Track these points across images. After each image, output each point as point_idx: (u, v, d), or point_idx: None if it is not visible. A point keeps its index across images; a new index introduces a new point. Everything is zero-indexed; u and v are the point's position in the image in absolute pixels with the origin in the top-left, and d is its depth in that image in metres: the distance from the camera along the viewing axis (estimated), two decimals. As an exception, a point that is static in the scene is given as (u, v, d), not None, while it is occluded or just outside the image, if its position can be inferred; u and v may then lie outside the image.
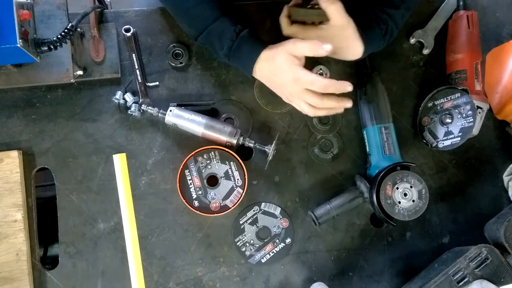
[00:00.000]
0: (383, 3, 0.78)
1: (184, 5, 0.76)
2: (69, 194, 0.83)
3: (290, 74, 0.72)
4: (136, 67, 0.85)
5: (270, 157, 0.82)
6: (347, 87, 0.71)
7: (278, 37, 0.76)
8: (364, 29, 0.76)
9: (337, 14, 0.71)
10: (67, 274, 0.81)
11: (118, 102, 0.83)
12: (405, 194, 0.78)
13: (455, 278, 0.73)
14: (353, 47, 0.75)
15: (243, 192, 0.82)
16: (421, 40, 0.90)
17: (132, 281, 0.82)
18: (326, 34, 0.74)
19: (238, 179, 0.83)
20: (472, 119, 0.81)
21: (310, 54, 0.71)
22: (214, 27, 0.74)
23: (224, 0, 0.76)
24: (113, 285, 0.82)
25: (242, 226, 0.85)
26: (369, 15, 0.78)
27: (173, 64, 0.86)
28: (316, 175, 0.87)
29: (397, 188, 0.78)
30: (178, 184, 0.81)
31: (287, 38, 0.75)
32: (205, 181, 0.82)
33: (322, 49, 0.69)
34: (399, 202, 0.78)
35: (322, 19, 0.74)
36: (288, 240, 0.85)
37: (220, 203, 0.82)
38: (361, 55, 0.76)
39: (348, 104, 0.74)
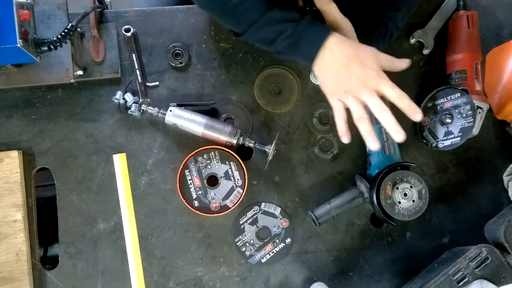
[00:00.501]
0: (383, 4, 0.78)
1: (232, 2, 0.69)
2: (69, 194, 0.83)
3: (375, 65, 0.67)
4: (136, 67, 0.85)
5: (270, 157, 0.82)
6: (417, 114, 0.67)
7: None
8: (363, 30, 0.76)
9: (331, 14, 0.71)
10: (67, 274, 0.81)
11: (118, 102, 0.83)
12: (405, 194, 0.78)
13: (455, 278, 0.73)
14: None
15: (243, 192, 0.82)
16: (421, 40, 0.90)
17: (132, 281, 0.82)
18: None
19: (238, 179, 0.83)
20: (472, 119, 0.81)
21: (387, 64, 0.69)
22: (271, 14, 0.69)
23: None
24: (113, 285, 0.82)
25: (242, 226, 0.85)
26: (369, 16, 0.78)
27: (173, 64, 0.86)
28: (316, 175, 0.87)
29: (397, 188, 0.78)
30: (178, 184, 0.81)
31: None
32: (205, 181, 0.82)
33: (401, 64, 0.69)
34: (399, 202, 0.78)
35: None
36: (288, 240, 0.85)
37: (220, 203, 0.82)
38: None
39: (400, 137, 0.67)
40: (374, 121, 0.83)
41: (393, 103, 0.67)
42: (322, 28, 0.69)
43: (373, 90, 0.67)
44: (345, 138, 0.70)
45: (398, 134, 0.67)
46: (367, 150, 0.86)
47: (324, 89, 0.72)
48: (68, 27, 0.72)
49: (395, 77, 0.90)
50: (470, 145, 0.90)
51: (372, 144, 0.68)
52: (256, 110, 0.88)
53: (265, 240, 0.85)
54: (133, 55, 0.85)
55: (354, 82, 0.68)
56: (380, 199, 0.78)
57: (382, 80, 0.67)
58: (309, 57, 0.70)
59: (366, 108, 0.69)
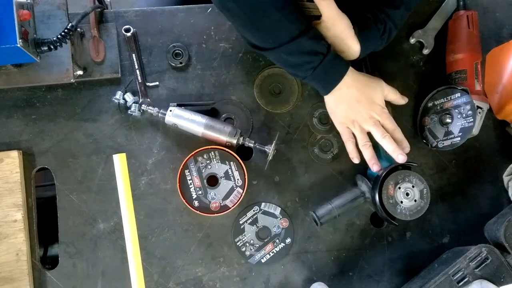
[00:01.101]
0: (382, 2, 0.78)
1: (261, 13, 0.67)
2: (69, 194, 0.83)
3: (381, 101, 0.80)
4: (136, 67, 0.85)
5: (270, 157, 0.82)
6: (405, 148, 0.80)
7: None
8: (361, 28, 0.76)
9: (328, 9, 0.72)
10: (67, 274, 0.81)
11: (118, 102, 0.83)
12: (407, 194, 0.78)
13: (455, 278, 0.73)
14: (348, 45, 0.75)
15: (243, 192, 0.82)
16: (421, 40, 0.90)
17: (132, 281, 0.82)
18: (320, 29, 0.74)
19: (238, 179, 0.83)
20: (472, 119, 0.81)
21: (393, 98, 0.83)
22: (302, 41, 0.70)
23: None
24: (113, 285, 0.82)
25: (242, 226, 0.85)
26: (367, 14, 0.78)
27: (173, 64, 0.86)
28: (316, 175, 0.87)
29: (399, 188, 0.78)
30: (178, 184, 0.81)
31: None
32: (205, 181, 0.82)
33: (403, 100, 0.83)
34: (401, 202, 0.78)
35: (317, 13, 0.73)
36: (288, 240, 0.85)
37: (220, 203, 0.82)
38: (358, 54, 0.76)
39: (402, 158, 0.77)
40: None
41: (389, 132, 0.79)
42: (343, 63, 0.76)
43: (376, 121, 0.78)
44: (356, 160, 0.82)
45: (400, 156, 0.77)
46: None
47: (333, 117, 0.82)
48: (68, 27, 0.72)
49: (395, 77, 0.91)
50: (470, 145, 0.90)
51: (375, 167, 0.79)
52: (256, 110, 0.88)
53: (265, 240, 0.85)
54: (133, 55, 0.85)
55: (362, 114, 0.78)
56: (383, 198, 0.78)
57: (384, 115, 0.79)
58: (327, 89, 0.77)
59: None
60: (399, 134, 0.80)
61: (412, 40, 0.90)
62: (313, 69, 0.73)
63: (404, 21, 0.81)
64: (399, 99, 0.83)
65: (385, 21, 0.77)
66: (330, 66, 0.74)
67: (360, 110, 0.78)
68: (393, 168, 0.79)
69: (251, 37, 0.74)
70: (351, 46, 0.75)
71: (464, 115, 0.82)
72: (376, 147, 0.83)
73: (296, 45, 0.71)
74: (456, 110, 0.83)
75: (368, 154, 0.80)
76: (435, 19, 0.91)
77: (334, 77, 0.76)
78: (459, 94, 0.83)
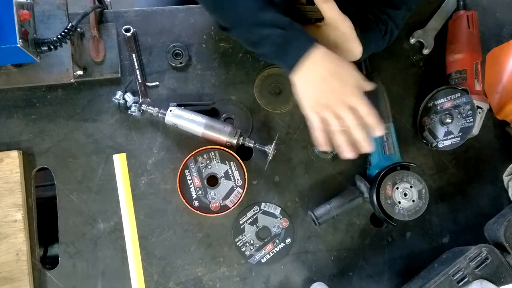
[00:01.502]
0: (383, 3, 0.78)
1: None
2: (69, 194, 0.83)
3: (354, 82, 0.70)
4: (136, 67, 0.85)
5: (270, 157, 0.82)
6: (378, 132, 0.71)
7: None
8: (363, 29, 0.76)
9: (329, 12, 0.71)
10: (67, 274, 0.81)
11: (118, 102, 0.83)
12: (405, 194, 0.78)
13: (455, 278, 0.73)
14: (351, 47, 0.75)
15: (243, 192, 0.82)
16: (421, 40, 0.90)
17: (132, 281, 0.82)
18: (321, 32, 0.74)
19: (238, 179, 0.83)
20: (472, 119, 0.81)
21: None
22: (262, 15, 0.68)
23: None
24: (113, 285, 0.82)
25: (242, 226, 0.85)
26: (369, 15, 0.78)
27: (173, 64, 0.86)
28: (316, 175, 0.87)
29: (397, 188, 0.78)
30: (178, 184, 0.81)
31: None
32: (205, 181, 0.82)
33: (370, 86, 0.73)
34: (399, 202, 0.78)
35: (318, 16, 0.73)
36: (288, 240, 0.85)
37: (220, 203, 0.82)
38: (360, 55, 0.76)
39: (367, 149, 0.71)
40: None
41: (363, 117, 0.71)
42: (308, 39, 0.69)
43: (349, 105, 0.70)
44: (327, 148, 0.73)
45: (366, 147, 0.71)
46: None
47: (303, 101, 0.73)
48: (68, 27, 0.72)
49: (395, 77, 0.91)
50: (470, 145, 0.90)
51: (347, 154, 0.71)
52: (256, 110, 0.88)
53: (265, 240, 0.85)
54: (133, 55, 0.85)
55: (333, 97, 0.70)
56: (380, 199, 0.78)
57: (357, 97, 0.70)
58: (291, 66, 0.70)
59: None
60: (372, 118, 0.71)
61: (412, 40, 0.90)
62: (273, 44, 0.69)
63: (405, 21, 0.81)
64: (366, 88, 0.74)
65: (386, 22, 0.77)
66: (292, 41, 0.69)
67: (330, 93, 0.70)
68: (391, 168, 0.79)
69: (218, 17, 0.74)
70: (354, 47, 0.75)
71: (464, 115, 0.82)
72: (374, 147, 0.83)
73: (257, 19, 0.69)
74: (456, 110, 0.83)
75: (341, 140, 0.71)
76: (435, 19, 0.91)
77: (296, 52, 0.69)
78: (459, 94, 0.83)
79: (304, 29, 0.71)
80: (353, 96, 0.70)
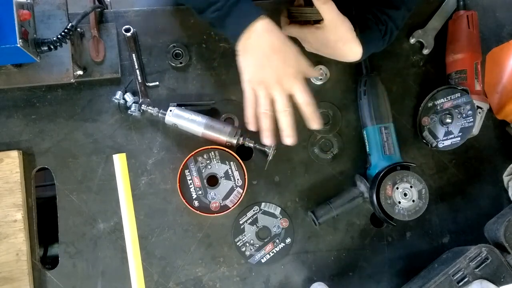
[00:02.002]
0: (383, 3, 0.78)
1: None
2: (69, 194, 0.83)
3: (296, 64, 0.67)
4: (136, 67, 0.85)
5: (270, 157, 0.82)
6: (314, 124, 0.70)
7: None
8: (363, 29, 0.76)
9: (329, 13, 0.71)
10: (67, 274, 0.81)
11: (118, 102, 0.83)
12: (405, 194, 0.78)
13: (455, 278, 0.73)
14: (350, 47, 0.75)
15: (243, 192, 0.82)
16: (421, 40, 0.90)
17: (132, 281, 0.82)
18: (321, 33, 0.74)
19: (238, 179, 0.83)
20: (472, 119, 0.81)
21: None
22: None
23: None
24: (113, 285, 0.82)
25: (242, 226, 0.85)
26: (368, 15, 0.78)
27: (173, 64, 0.86)
28: (316, 175, 0.87)
29: (397, 188, 0.78)
30: (178, 184, 0.81)
31: None
32: (205, 181, 0.82)
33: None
34: (399, 202, 0.78)
35: (317, 17, 0.73)
36: (288, 240, 0.85)
37: (220, 203, 0.82)
38: (360, 55, 0.76)
39: (290, 141, 0.70)
40: (374, 120, 0.83)
41: (298, 106, 0.69)
42: (254, 9, 0.68)
43: (285, 89, 0.68)
44: (252, 126, 0.72)
45: (288, 138, 0.69)
46: (367, 150, 0.86)
47: (242, 72, 0.71)
48: (68, 27, 0.72)
49: (395, 77, 0.91)
50: (470, 145, 0.90)
51: (266, 139, 0.70)
52: (256, 110, 0.88)
53: (265, 240, 0.85)
54: (133, 55, 0.85)
55: (271, 74, 0.67)
56: (380, 199, 0.78)
57: (297, 81, 0.68)
58: (234, 35, 0.69)
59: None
60: (310, 108, 0.69)
61: (412, 40, 0.90)
62: (217, 11, 0.68)
63: (404, 21, 0.81)
64: (311, 73, 0.73)
65: (386, 22, 0.77)
66: (236, 9, 0.68)
67: (268, 69, 0.68)
68: (391, 168, 0.79)
69: None
70: (354, 48, 0.74)
71: (464, 115, 0.82)
72: (374, 147, 0.83)
73: None
74: (456, 110, 0.83)
75: (266, 124, 0.69)
76: (435, 19, 0.91)
77: (240, 21, 0.68)
78: (459, 94, 0.83)
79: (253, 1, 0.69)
80: (293, 79, 0.67)
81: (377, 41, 0.78)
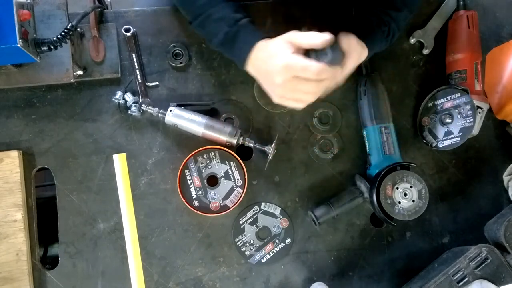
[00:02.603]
0: (386, 5, 0.78)
1: None
2: (69, 194, 0.83)
3: (280, 59, 0.63)
4: (136, 67, 0.85)
5: (270, 157, 0.82)
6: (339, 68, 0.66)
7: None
8: (366, 31, 0.76)
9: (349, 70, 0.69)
10: (67, 274, 0.81)
11: (118, 102, 0.83)
12: (405, 194, 0.78)
13: (455, 278, 0.73)
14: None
15: (243, 192, 0.82)
16: (421, 40, 0.90)
17: (132, 281, 0.82)
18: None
19: (238, 179, 0.83)
20: (472, 119, 0.81)
21: (306, 42, 0.64)
22: (213, 11, 0.72)
23: None
24: (113, 285, 0.82)
25: (242, 226, 0.85)
26: (371, 17, 0.78)
27: (173, 64, 0.86)
28: (316, 175, 0.87)
29: (397, 188, 0.78)
30: (178, 184, 0.81)
31: None
32: (205, 181, 0.82)
33: (319, 38, 0.63)
34: (399, 202, 0.78)
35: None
36: (288, 240, 0.85)
37: (220, 203, 0.82)
38: (365, 57, 0.75)
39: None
40: (374, 120, 0.83)
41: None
42: (252, 37, 0.70)
43: (293, 88, 0.66)
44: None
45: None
46: (367, 150, 0.86)
47: (271, 96, 0.71)
48: (68, 27, 0.72)
49: (395, 77, 0.91)
50: (470, 145, 0.90)
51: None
52: (256, 110, 0.88)
53: (265, 240, 0.85)
54: (133, 55, 0.85)
55: (274, 88, 0.68)
56: (380, 199, 0.78)
57: (293, 79, 0.65)
58: (241, 64, 0.72)
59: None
60: (326, 73, 0.65)
61: (412, 40, 0.90)
62: (222, 40, 0.72)
63: (407, 22, 0.81)
64: (313, 36, 0.64)
65: (389, 23, 0.77)
66: (236, 39, 0.70)
67: (270, 91, 0.70)
68: (391, 168, 0.79)
69: (182, 10, 0.79)
70: (362, 54, 0.72)
71: (464, 115, 0.82)
72: (374, 147, 0.83)
73: (211, 14, 0.72)
74: (456, 110, 0.83)
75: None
76: (435, 19, 0.91)
77: (239, 51, 0.71)
78: (459, 94, 0.83)
79: (254, 27, 0.72)
80: (290, 71, 0.64)
81: (380, 41, 0.78)
